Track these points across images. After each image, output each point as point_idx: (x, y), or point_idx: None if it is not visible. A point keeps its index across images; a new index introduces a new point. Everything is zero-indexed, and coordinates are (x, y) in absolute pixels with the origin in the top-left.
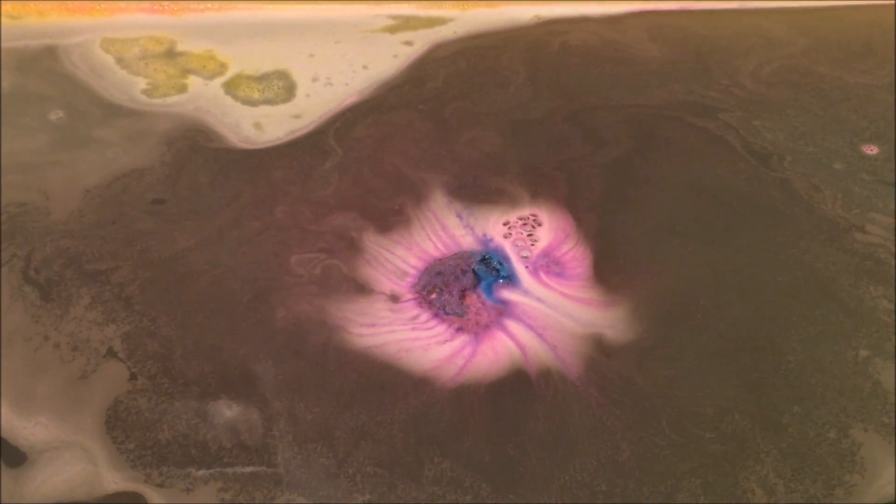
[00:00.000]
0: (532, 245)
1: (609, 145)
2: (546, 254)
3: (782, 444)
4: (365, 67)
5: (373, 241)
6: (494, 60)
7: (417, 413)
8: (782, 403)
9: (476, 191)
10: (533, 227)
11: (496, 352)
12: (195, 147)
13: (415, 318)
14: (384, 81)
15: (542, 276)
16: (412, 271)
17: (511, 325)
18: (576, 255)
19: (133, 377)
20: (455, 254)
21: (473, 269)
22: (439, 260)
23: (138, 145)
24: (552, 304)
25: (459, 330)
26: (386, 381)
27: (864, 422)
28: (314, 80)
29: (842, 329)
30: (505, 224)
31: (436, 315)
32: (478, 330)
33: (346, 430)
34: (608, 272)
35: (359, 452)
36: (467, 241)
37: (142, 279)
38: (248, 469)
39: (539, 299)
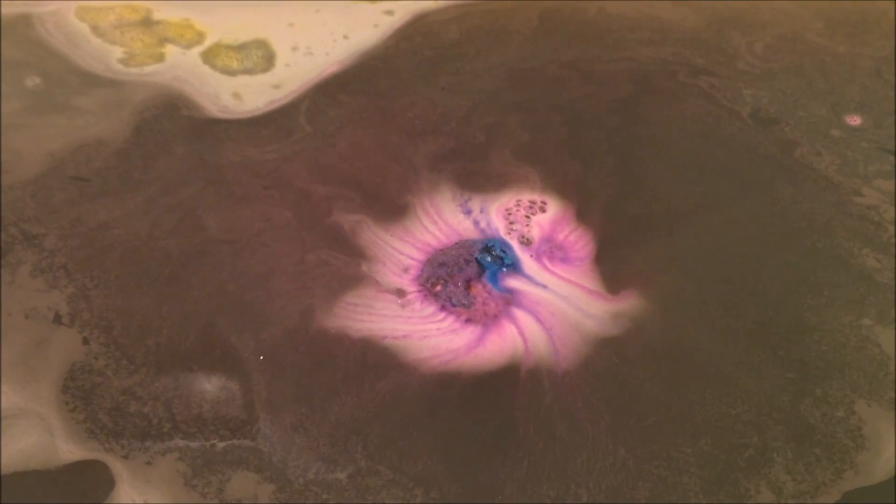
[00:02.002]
0: (527, 226)
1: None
2: (548, 238)
3: (799, 436)
4: (346, 37)
5: (376, 235)
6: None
7: (350, 409)
8: (810, 385)
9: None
10: (540, 210)
11: (502, 343)
12: (170, 118)
13: (422, 311)
14: (365, 51)
15: (546, 262)
16: (413, 263)
17: (519, 314)
18: (578, 238)
19: (86, 341)
20: (456, 243)
21: (476, 259)
22: (441, 250)
23: (113, 114)
24: (558, 291)
25: (468, 321)
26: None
27: (868, 397)
28: (294, 49)
29: (854, 296)
30: (518, 201)
31: (443, 307)
32: (486, 320)
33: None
34: (632, 202)
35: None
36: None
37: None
38: (197, 444)
39: (544, 287)
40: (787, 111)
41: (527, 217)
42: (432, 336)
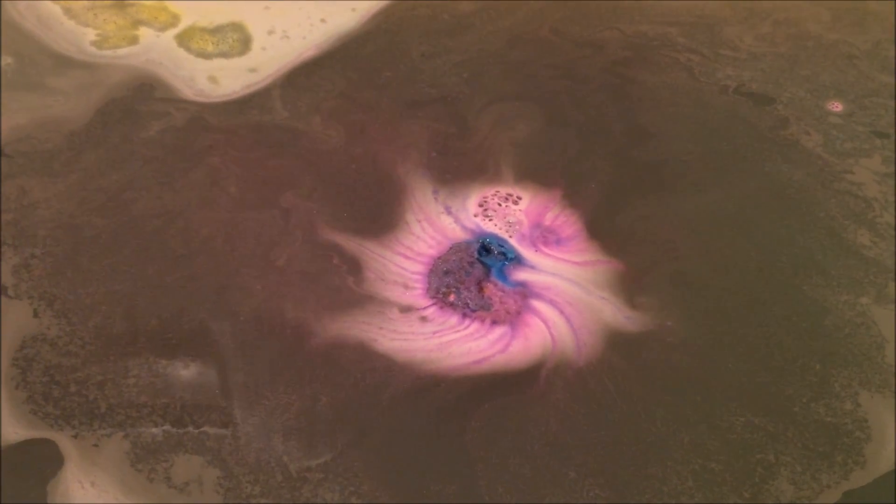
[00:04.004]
0: (504, 214)
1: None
2: (536, 224)
3: (804, 439)
4: (323, 21)
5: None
6: None
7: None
8: (829, 378)
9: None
10: (513, 202)
11: (533, 338)
12: (141, 101)
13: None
14: (342, 35)
15: (543, 247)
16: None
17: (539, 305)
18: (565, 218)
19: (35, 314)
20: (451, 248)
21: (478, 259)
22: (441, 258)
23: (83, 96)
24: (563, 274)
25: (495, 323)
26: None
27: (871, 387)
28: (270, 32)
29: (855, 275)
30: (496, 192)
31: (464, 315)
32: (511, 318)
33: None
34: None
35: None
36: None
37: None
38: (143, 428)
39: (550, 273)
40: (772, 91)
41: (499, 205)
42: (462, 343)
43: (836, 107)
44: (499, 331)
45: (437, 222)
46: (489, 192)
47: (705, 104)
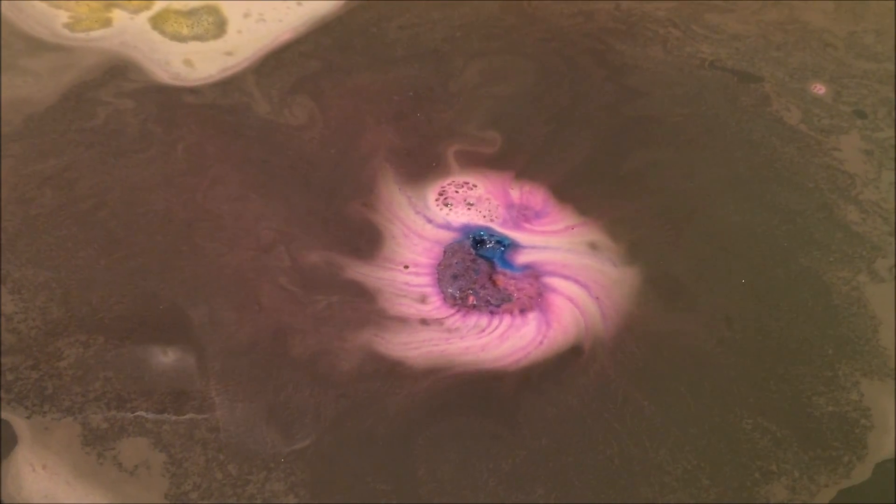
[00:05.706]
0: (465, 190)
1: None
2: (508, 205)
3: (812, 443)
4: (299, 3)
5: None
6: None
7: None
8: (840, 365)
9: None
10: (469, 189)
11: (564, 315)
12: (111, 84)
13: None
14: (319, 17)
15: (527, 225)
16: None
17: (554, 282)
18: (532, 190)
19: None
20: (447, 250)
21: (478, 255)
22: (443, 264)
23: (54, 78)
24: (559, 245)
25: (523, 311)
26: None
27: (871, 373)
28: (246, 15)
29: (846, 249)
30: (452, 181)
31: (491, 312)
32: (535, 302)
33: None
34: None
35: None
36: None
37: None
38: (97, 414)
39: (546, 247)
40: (749, 68)
41: (456, 191)
42: (506, 339)
43: (819, 89)
44: (531, 317)
45: (404, 213)
46: (445, 182)
47: (687, 75)
